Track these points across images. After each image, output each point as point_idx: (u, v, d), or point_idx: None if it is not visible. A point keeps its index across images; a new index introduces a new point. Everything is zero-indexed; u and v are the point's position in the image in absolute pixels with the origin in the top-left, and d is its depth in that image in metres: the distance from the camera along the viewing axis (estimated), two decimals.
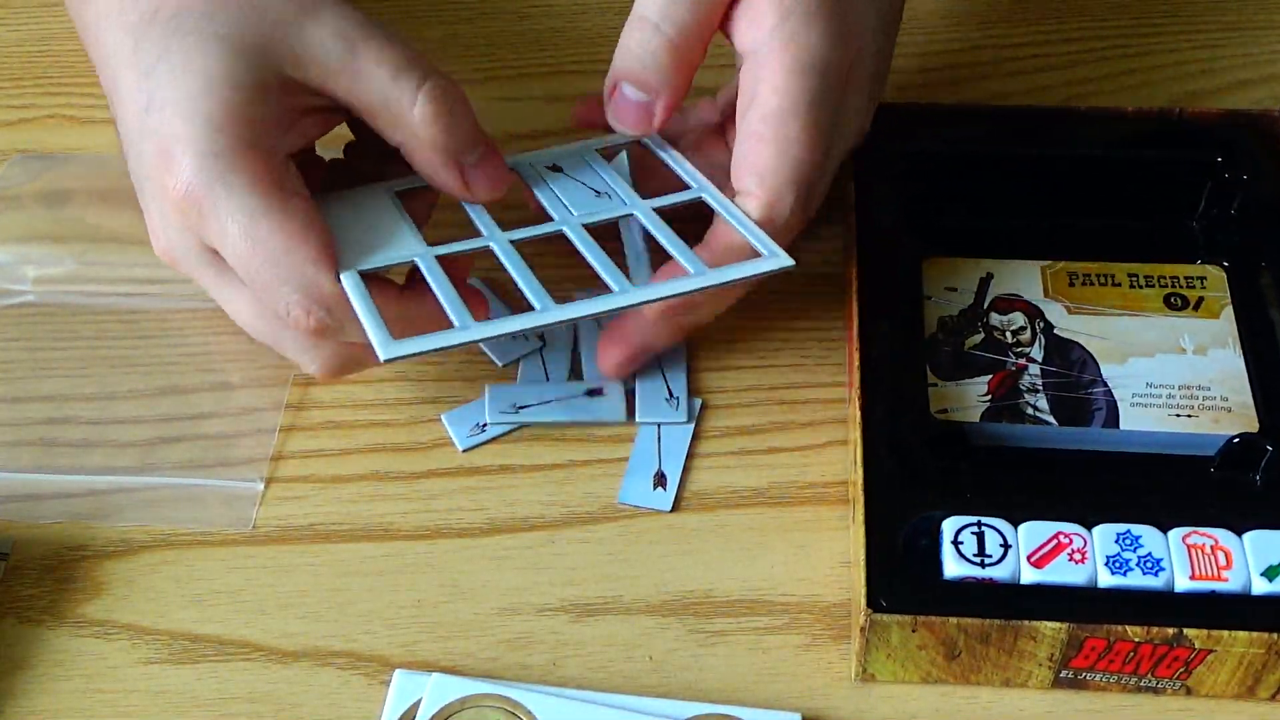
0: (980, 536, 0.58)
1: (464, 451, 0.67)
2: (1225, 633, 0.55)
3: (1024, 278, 0.68)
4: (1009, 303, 0.67)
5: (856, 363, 0.64)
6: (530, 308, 0.59)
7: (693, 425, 0.67)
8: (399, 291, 0.62)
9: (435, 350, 0.58)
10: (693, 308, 0.65)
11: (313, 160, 0.66)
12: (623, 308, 0.60)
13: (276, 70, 0.59)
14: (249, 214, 0.58)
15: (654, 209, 0.65)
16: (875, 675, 0.59)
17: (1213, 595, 0.57)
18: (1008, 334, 0.66)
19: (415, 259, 0.61)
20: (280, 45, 0.59)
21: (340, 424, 0.68)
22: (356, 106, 0.61)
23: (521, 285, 0.60)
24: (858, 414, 0.62)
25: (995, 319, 0.67)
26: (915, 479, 0.60)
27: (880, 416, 0.62)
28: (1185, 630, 0.55)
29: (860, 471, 0.60)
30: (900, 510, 0.59)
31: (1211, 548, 0.57)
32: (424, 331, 0.58)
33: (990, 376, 0.65)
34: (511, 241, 0.63)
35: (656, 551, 0.63)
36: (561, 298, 0.59)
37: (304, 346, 0.62)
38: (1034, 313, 0.67)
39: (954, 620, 0.56)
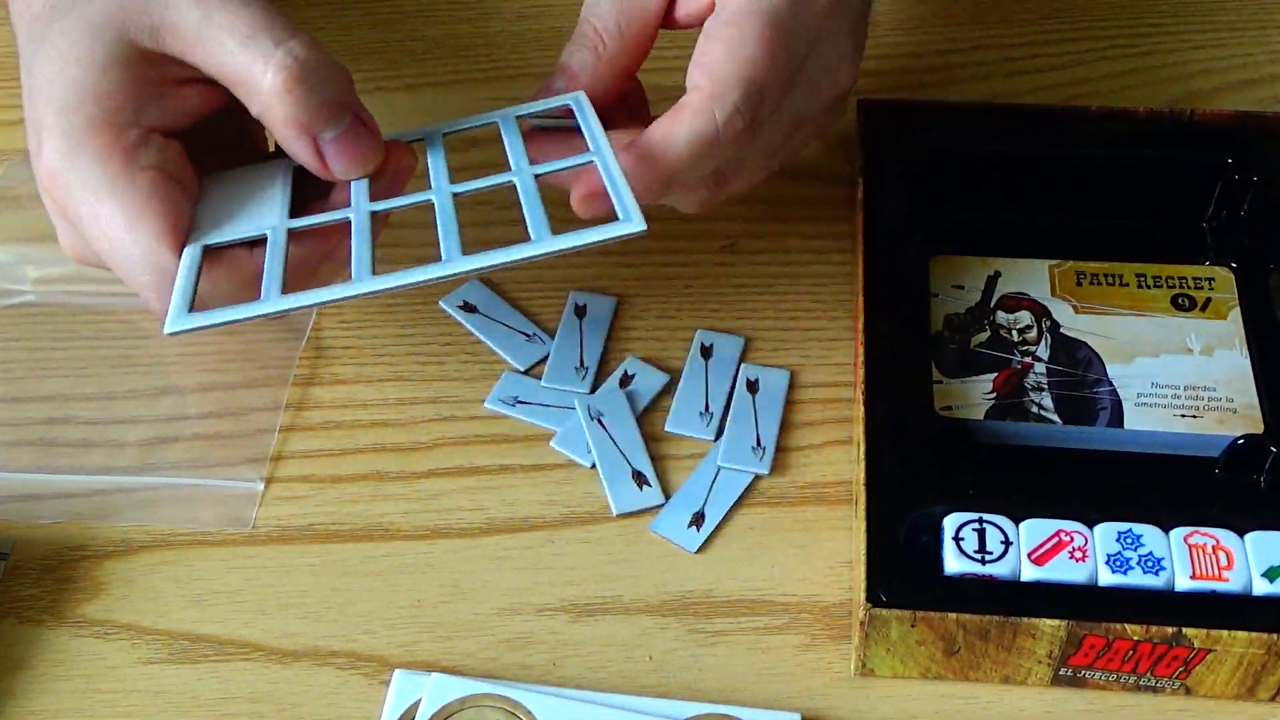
0: (981, 533, 0.58)
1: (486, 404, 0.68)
2: (1225, 633, 0.56)
3: (1031, 276, 0.69)
4: (1016, 301, 0.68)
5: (862, 358, 0.64)
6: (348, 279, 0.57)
7: (751, 476, 0.66)
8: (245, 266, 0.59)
9: (226, 323, 0.56)
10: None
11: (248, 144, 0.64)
12: (439, 278, 0.57)
13: (133, 43, 0.57)
14: (94, 191, 0.57)
15: (537, 175, 0.61)
16: (875, 670, 0.59)
17: (1213, 595, 0.57)
18: (1014, 332, 0.67)
19: (266, 231, 0.59)
20: (139, 17, 0.57)
21: (340, 424, 0.69)
22: (216, 77, 0.58)
23: (354, 257, 0.58)
24: (862, 409, 0.63)
25: (1002, 317, 0.67)
26: (918, 475, 0.61)
27: (885, 412, 0.63)
28: (1184, 630, 0.55)
29: (863, 466, 0.61)
30: (902, 506, 0.60)
31: (1213, 548, 0.58)
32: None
33: (995, 374, 0.65)
34: (373, 213, 0.59)
35: (656, 551, 0.64)
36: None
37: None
38: (1041, 311, 0.67)
39: (953, 616, 0.56)
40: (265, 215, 0.60)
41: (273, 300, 0.56)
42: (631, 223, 0.57)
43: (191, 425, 0.69)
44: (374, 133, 0.59)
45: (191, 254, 0.57)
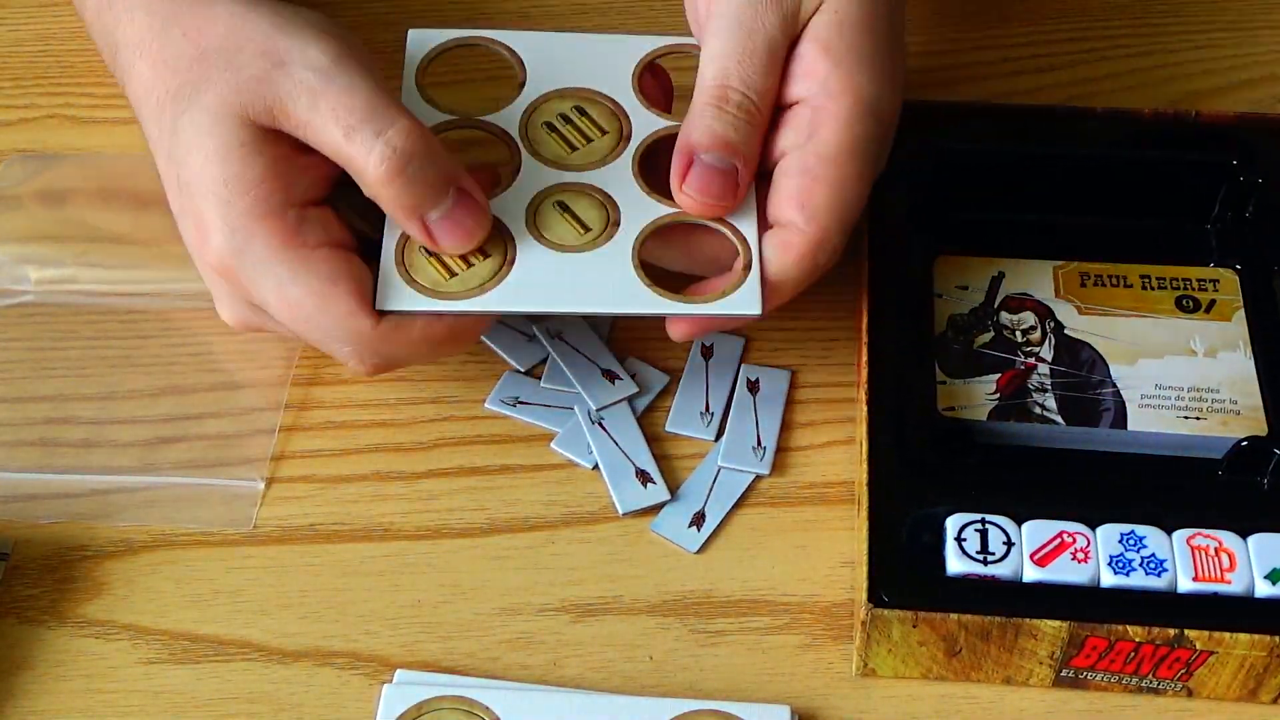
0: (984, 534, 0.59)
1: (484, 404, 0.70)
2: (1227, 635, 0.57)
3: (1035, 277, 0.70)
4: (1020, 302, 0.69)
5: (865, 358, 0.65)
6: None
7: (752, 477, 0.68)
8: None
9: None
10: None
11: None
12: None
13: (255, 125, 0.61)
14: (277, 280, 0.60)
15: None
16: (876, 671, 0.60)
17: (1215, 597, 0.58)
18: (1018, 333, 0.67)
19: None
20: (258, 102, 0.60)
21: (340, 424, 0.69)
22: (329, 158, 0.62)
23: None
24: (865, 409, 0.64)
25: (1006, 318, 0.68)
26: (921, 475, 0.62)
27: (888, 412, 0.63)
28: (1186, 631, 0.56)
29: (865, 466, 0.62)
30: (905, 506, 0.61)
31: (1215, 550, 0.59)
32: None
33: (999, 375, 0.66)
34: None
35: (657, 551, 0.65)
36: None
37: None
38: (1044, 312, 0.68)
39: (955, 617, 0.57)
40: None
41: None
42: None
43: (192, 425, 0.69)
44: (480, 205, 0.63)
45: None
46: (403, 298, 0.61)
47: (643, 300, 0.62)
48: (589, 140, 0.67)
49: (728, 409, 0.69)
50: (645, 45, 0.70)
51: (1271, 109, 0.79)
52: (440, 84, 0.69)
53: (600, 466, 0.67)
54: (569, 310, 0.64)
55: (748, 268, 0.63)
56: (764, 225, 0.64)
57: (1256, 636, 0.57)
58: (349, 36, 0.64)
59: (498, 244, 0.63)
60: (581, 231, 0.64)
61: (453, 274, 0.62)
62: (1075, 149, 0.73)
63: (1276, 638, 0.57)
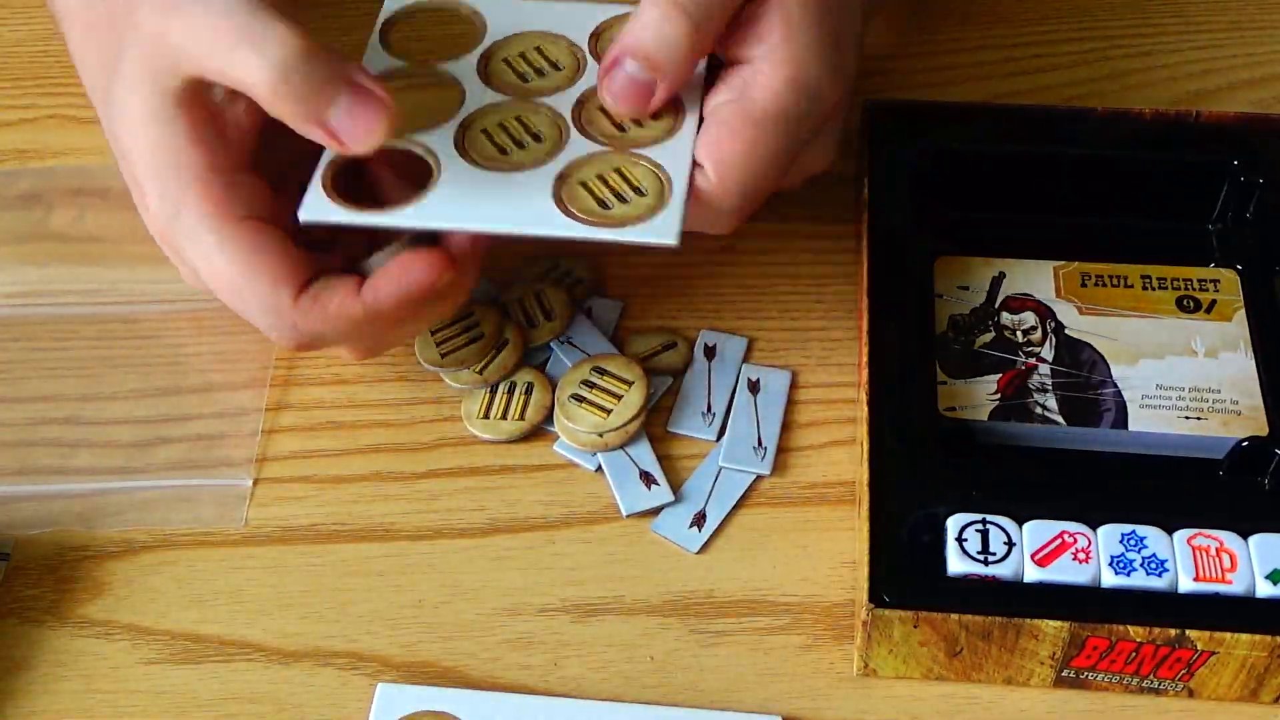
0: (984, 534, 0.59)
1: None
2: (1228, 635, 0.57)
3: (1036, 277, 0.70)
4: (1020, 302, 0.69)
5: (866, 358, 0.65)
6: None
7: (753, 477, 0.68)
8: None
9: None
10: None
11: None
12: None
13: (174, 90, 0.60)
14: (205, 249, 0.61)
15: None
16: (877, 671, 0.60)
17: (1216, 597, 0.58)
18: (1018, 333, 0.68)
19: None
20: (162, 61, 0.60)
21: (340, 424, 0.70)
22: (230, 87, 0.61)
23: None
24: (866, 410, 0.64)
25: (1006, 318, 0.68)
26: (921, 475, 0.62)
27: (888, 412, 0.64)
28: (1187, 631, 0.56)
29: (866, 467, 0.62)
30: (905, 506, 0.61)
31: (1216, 550, 0.59)
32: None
33: (1000, 375, 0.66)
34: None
35: (657, 552, 0.65)
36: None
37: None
38: (1045, 313, 0.68)
39: (955, 617, 0.57)
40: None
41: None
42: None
43: (175, 427, 0.70)
44: (379, 97, 0.60)
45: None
46: (322, 209, 0.61)
47: (557, 223, 0.61)
48: (542, 74, 0.68)
49: (729, 409, 0.70)
50: (611, 10, 0.70)
51: (1272, 109, 0.80)
52: (406, 39, 0.70)
53: (604, 468, 0.68)
54: (482, 228, 0.62)
55: (668, 197, 0.62)
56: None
57: (1257, 637, 0.57)
58: None
59: (425, 169, 0.63)
60: (512, 149, 0.64)
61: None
62: (1076, 149, 0.73)
63: (1277, 638, 0.57)
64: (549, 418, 0.69)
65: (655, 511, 0.66)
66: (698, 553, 0.65)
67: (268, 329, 0.62)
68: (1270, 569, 0.58)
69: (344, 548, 0.66)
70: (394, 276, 0.61)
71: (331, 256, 0.63)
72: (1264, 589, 0.58)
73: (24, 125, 0.82)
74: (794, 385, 0.70)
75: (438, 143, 0.64)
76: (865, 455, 0.62)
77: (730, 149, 0.62)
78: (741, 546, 0.65)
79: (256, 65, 0.58)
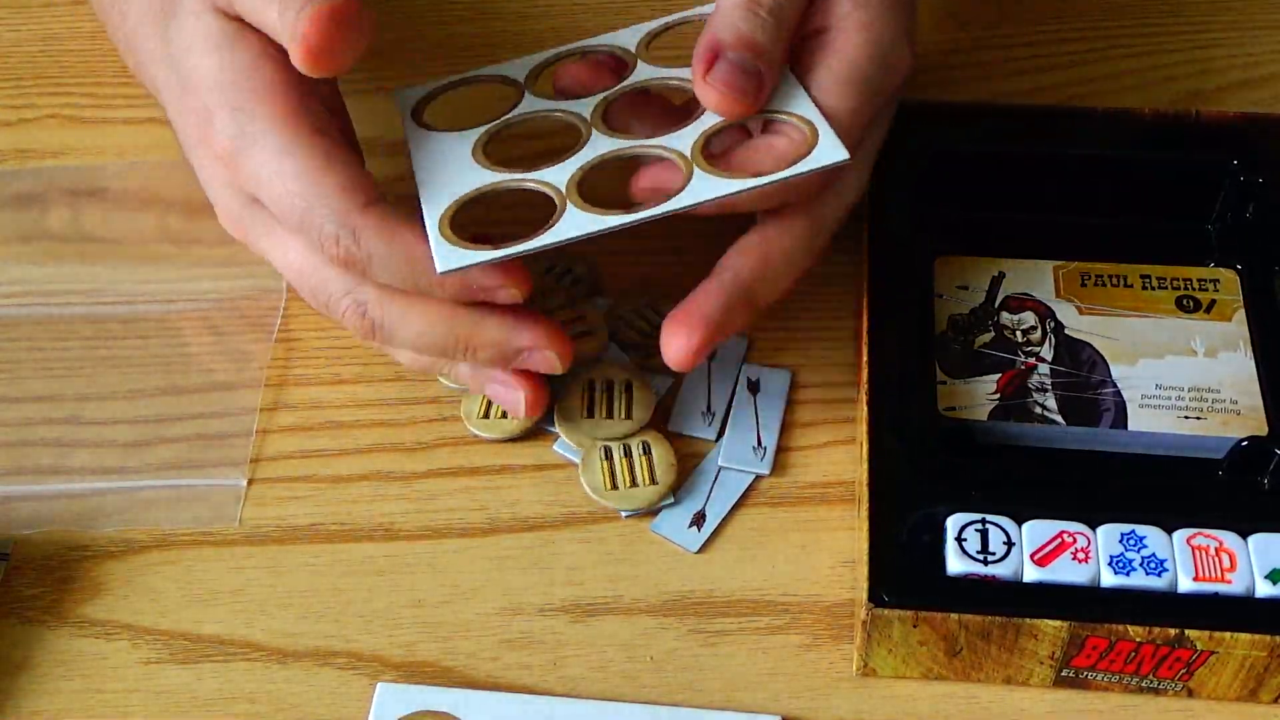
0: (984, 534, 0.60)
1: None
2: (1227, 634, 0.57)
3: (1036, 277, 0.70)
4: (1020, 302, 0.69)
5: (866, 358, 0.65)
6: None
7: (752, 477, 0.68)
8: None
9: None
10: (764, 277, 0.64)
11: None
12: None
13: (236, 18, 0.63)
14: (274, 153, 0.61)
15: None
16: (876, 671, 0.61)
17: (1216, 597, 0.58)
18: (1018, 333, 0.68)
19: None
20: None
21: (340, 424, 0.70)
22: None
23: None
24: (865, 409, 0.64)
25: (1006, 318, 0.69)
26: (921, 475, 0.62)
27: (888, 412, 0.64)
28: (1187, 631, 0.57)
29: (866, 466, 0.62)
30: (905, 506, 0.61)
31: (1216, 549, 0.59)
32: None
33: (999, 375, 0.66)
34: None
35: (657, 551, 0.65)
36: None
37: (356, 315, 0.64)
38: (1045, 312, 0.69)
39: (955, 616, 0.58)
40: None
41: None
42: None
43: (169, 427, 0.70)
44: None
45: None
46: (457, 255, 0.60)
47: (722, 187, 0.61)
48: None
49: (729, 409, 0.70)
50: (641, 30, 0.71)
51: (1272, 109, 0.80)
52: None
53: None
54: (647, 216, 0.61)
55: (814, 127, 0.62)
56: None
57: (1257, 636, 0.57)
58: None
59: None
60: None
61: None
62: (1076, 149, 0.73)
63: (1277, 638, 0.57)
64: (549, 417, 0.69)
65: (655, 511, 0.67)
66: (697, 552, 0.65)
67: (328, 238, 0.61)
68: (1270, 569, 0.59)
69: (343, 548, 0.66)
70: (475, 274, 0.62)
71: None
72: (1263, 589, 0.58)
73: (22, 125, 0.82)
74: (793, 385, 0.71)
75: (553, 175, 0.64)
76: (865, 455, 0.63)
77: (830, 104, 0.64)
78: (741, 546, 0.66)
79: (292, 12, 0.60)
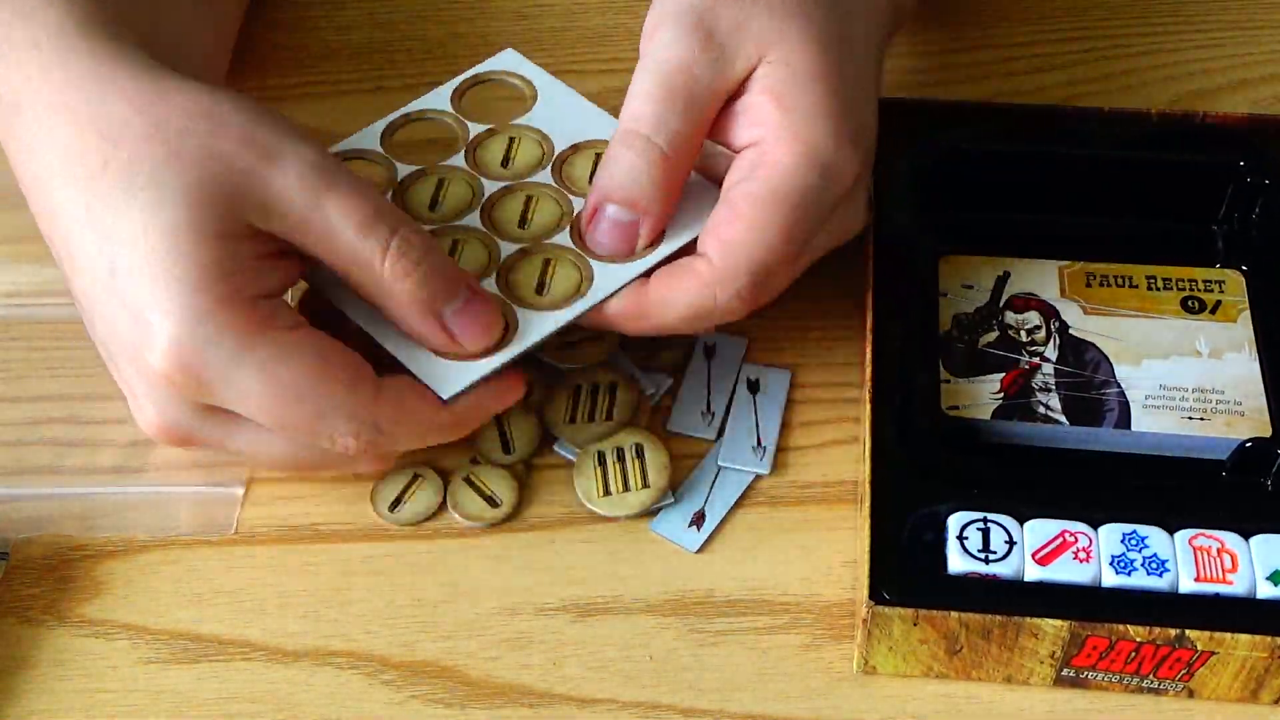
0: (985, 532, 0.60)
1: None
2: (1228, 635, 0.57)
3: (1041, 277, 0.70)
4: (1025, 301, 0.69)
5: (870, 356, 0.66)
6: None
7: (752, 476, 0.69)
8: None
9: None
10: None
11: None
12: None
13: (243, 221, 0.59)
14: (261, 366, 0.58)
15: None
16: (877, 669, 0.61)
17: (1217, 598, 0.59)
18: (1022, 332, 0.68)
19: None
20: (244, 196, 0.58)
21: None
22: (324, 259, 0.61)
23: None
24: (869, 407, 0.64)
25: (1011, 317, 0.69)
26: (923, 473, 0.63)
27: (891, 410, 0.64)
28: (1187, 631, 0.57)
29: (868, 464, 0.62)
30: (907, 504, 0.61)
31: (1218, 550, 0.59)
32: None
33: (1003, 374, 0.67)
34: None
35: (657, 551, 0.66)
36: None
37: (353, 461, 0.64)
38: (1050, 312, 0.69)
39: (956, 615, 0.58)
40: None
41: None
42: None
43: None
44: (490, 301, 0.63)
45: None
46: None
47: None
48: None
49: (729, 408, 0.70)
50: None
51: (1272, 109, 0.80)
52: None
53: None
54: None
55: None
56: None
57: (1258, 637, 0.57)
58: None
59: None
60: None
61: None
62: (1081, 149, 0.74)
63: (1277, 639, 0.57)
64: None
65: (655, 511, 0.67)
66: (697, 552, 0.66)
67: (342, 434, 0.60)
68: (1271, 570, 0.59)
69: (344, 548, 0.66)
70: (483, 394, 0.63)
71: None
72: (1265, 590, 0.59)
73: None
74: (794, 385, 0.71)
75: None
76: (867, 452, 0.63)
77: (735, 231, 0.62)
78: (741, 546, 0.66)
79: (394, 247, 0.60)
